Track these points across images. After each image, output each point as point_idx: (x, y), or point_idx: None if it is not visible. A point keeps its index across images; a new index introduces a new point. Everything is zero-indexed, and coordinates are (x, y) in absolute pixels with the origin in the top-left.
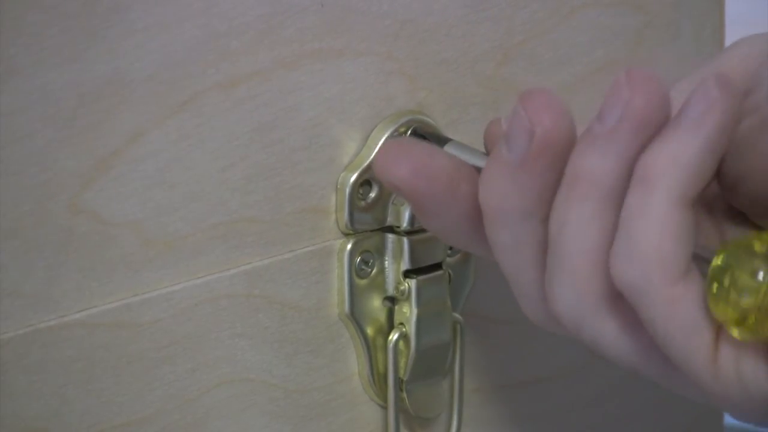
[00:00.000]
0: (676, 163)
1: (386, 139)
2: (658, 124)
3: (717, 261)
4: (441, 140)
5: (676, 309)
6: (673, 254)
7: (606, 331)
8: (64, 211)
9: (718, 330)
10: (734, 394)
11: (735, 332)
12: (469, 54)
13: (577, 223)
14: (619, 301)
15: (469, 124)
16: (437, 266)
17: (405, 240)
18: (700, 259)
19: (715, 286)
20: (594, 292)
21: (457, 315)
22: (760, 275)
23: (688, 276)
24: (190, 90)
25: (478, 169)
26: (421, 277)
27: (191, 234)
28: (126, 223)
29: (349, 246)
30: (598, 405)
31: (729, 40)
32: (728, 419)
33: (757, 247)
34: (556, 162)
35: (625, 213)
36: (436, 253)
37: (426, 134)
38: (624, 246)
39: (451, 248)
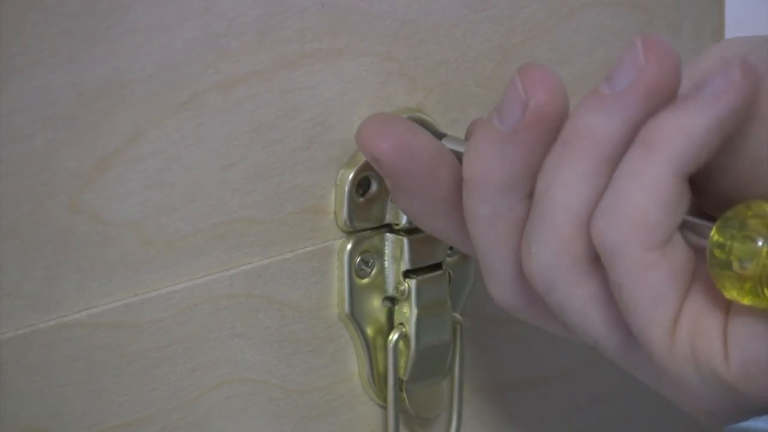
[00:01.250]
0: (683, 132)
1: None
2: (667, 94)
3: (715, 231)
4: (437, 135)
5: (647, 275)
6: (657, 220)
7: (575, 296)
8: (64, 211)
9: (682, 304)
10: (686, 374)
11: (741, 300)
12: (468, 54)
13: (568, 180)
14: (594, 267)
15: (469, 124)
16: (437, 266)
17: (405, 240)
18: (698, 233)
19: (715, 256)
20: (572, 252)
21: (457, 315)
22: (759, 241)
23: (668, 245)
24: (190, 90)
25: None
26: (421, 277)
27: (191, 234)
28: (126, 223)
29: (349, 246)
30: (598, 405)
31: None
32: None
33: (754, 213)
34: (545, 136)
35: (620, 172)
36: (436, 253)
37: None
38: (611, 203)
39: (451, 248)
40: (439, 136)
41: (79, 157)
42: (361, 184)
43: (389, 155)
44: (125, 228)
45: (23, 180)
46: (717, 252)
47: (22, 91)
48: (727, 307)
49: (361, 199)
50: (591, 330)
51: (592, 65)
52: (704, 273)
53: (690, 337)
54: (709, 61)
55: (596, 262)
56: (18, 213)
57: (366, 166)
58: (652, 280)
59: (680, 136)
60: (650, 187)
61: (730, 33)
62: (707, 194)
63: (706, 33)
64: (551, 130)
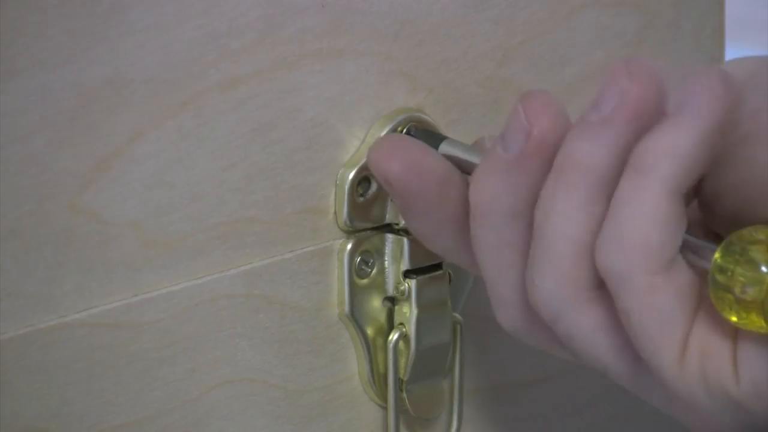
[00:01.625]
0: (671, 153)
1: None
2: (653, 115)
3: (718, 255)
4: (437, 138)
5: (654, 299)
6: (659, 243)
7: (582, 323)
8: (64, 211)
9: (690, 327)
10: (697, 396)
11: (741, 325)
12: (468, 54)
13: (565, 209)
14: (599, 293)
15: (469, 124)
16: (437, 266)
17: (405, 240)
18: (701, 255)
19: (717, 280)
20: (575, 281)
21: (457, 315)
22: (763, 267)
23: (673, 268)
24: (191, 90)
25: (472, 167)
26: (421, 277)
27: (191, 234)
28: (126, 224)
29: (349, 246)
30: (598, 405)
31: (729, 40)
32: None
33: (758, 238)
34: (549, 163)
35: (616, 200)
36: (437, 253)
37: (422, 132)
38: (612, 231)
39: None
40: (439, 138)
41: (79, 158)
42: (361, 184)
43: (399, 176)
44: (125, 228)
45: (23, 180)
46: (719, 276)
47: (22, 92)
48: (736, 328)
49: (362, 199)
50: (600, 356)
51: (592, 65)
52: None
53: (700, 359)
54: None
55: (600, 289)
56: (18, 213)
57: (366, 166)
58: (659, 303)
59: (668, 157)
60: (647, 211)
61: (730, 33)
62: (716, 213)
63: (706, 33)
64: (554, 156)
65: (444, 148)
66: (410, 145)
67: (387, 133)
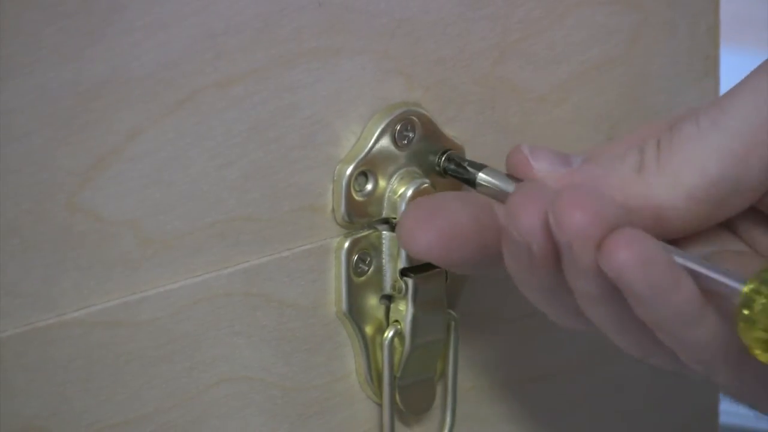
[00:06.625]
0: None
1: (407, 204)
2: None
3: (747, 287)
4: (475, 167)
5: None
6: None
7: None
8: (62, 209)
9: None
10: None
11: (764, 358)
12: (465, 52)
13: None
14: None
15: (466, 122)
16: (433, 264)
17: None
18: (732, 287)
19: (745, 311)
20: None
21: (452, 312)
22: None
23: None
24: (188, 88)
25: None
26: (418, 276)
27: (189, 232)
28: (124, 222)
29: (346, 244)
30: (595, 404)
31: (724, 38)
32: (724, 418)
33: None
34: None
35: None
36: None
37: (461, 161)
38: None
39: None
40: (478, 167)
41: (77, 156)
42: (358, 179)
43: (437, 252)
44: (123, 226)
45: (22, 179)
46: (745, 309)
47: (20, 90)
48: None
49: (359, 194)
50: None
51: (587, 63)
52: None
53: None
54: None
55: None
56: (17, 212)
57: (363, 162)
58: None
59: None
60: None
61: (725, 31)
62: None
63: (701, 31)
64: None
65: (482, 177)
66: (438, 216)
67: (386, 128)
